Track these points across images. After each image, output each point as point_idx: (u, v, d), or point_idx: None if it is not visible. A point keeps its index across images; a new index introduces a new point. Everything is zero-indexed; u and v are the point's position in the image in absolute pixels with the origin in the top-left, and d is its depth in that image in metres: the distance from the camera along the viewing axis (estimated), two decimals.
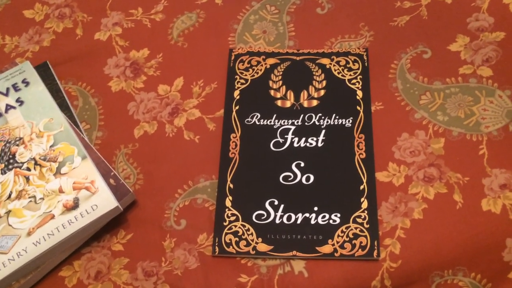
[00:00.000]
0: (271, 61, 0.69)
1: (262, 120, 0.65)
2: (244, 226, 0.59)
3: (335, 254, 0.56)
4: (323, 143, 0.63)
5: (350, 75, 0.67)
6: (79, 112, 0.69)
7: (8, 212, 0.58)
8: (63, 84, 0.71)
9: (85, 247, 0.59)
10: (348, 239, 0.57)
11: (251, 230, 0.59)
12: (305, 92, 0.66)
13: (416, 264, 0.56)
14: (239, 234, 0.58)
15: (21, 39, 0.76)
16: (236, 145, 0.64)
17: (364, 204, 0.59)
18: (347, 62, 0.68)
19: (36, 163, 0.61)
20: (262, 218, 0.59)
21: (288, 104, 0.66)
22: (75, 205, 0.57)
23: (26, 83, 0.67)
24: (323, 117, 0.64)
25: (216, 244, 0.58)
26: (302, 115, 0.65)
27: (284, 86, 0.67)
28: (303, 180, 0.61)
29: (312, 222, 0.58)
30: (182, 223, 0.60)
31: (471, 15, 0.70)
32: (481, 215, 0.57)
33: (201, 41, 0.73)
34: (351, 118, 0.64)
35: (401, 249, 0.56)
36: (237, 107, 0.66)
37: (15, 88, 0.67)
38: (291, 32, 0.72)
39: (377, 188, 0.60)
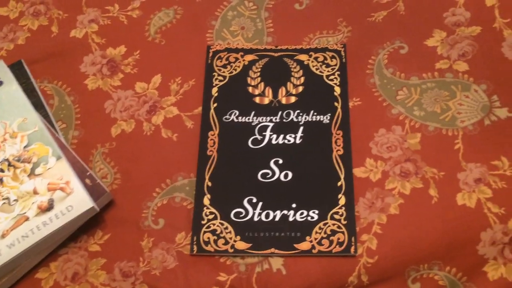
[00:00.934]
0: (249, 57, 0.69)
1: (240, 117, 0.65)
2: (222, 224, 0.59)
3: (313, 251, 0.57)
4: (301, 140, 0.63)
5: (328, 71, 0.67)
6: (54, 111, 0.68)
7: None
8: (38, 82, 0.70)
9: (61, 248, 0.59)
10: (326, 235, 0.57)
11: (230, 228, 0.59)
12: (283, 88, 0.66)
13: (393, 259, 0.56)
14: (217, 233, 0.58)
15: None
16: (214, 143, 0.63)
17: (342, 201, 0.59)
18: (325, 58, 0.68)
19: (9, 164, 0.60)
20: (241, 216, 0.59)
21: (266, 101, 0.66)
22: (50, 206, 0.57)
23: None
24: (301, 114, 0.64)
25: (195, 243, 0.58)
26: (280, 112, 0.65)
27: (262, 83, 0.67)
28: (282, 177, 0.61)
29: (290, 219, 0.58)
30: (160, 222, 0.60)
31: (448, 10, 0.70)
32: (456, 209, 0.58)
33: (179, 37, 0.72)
34: (329, 114, 0.64)
35: (378, 245, 0.57)
36: (215, 105, 0.66)
37: None
38: (270, 28, 0.72)
39: (354, 184, 0.60)
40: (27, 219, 0.56)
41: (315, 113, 0.64)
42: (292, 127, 0.63)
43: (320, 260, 0.57)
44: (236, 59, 0.69)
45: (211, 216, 0.59)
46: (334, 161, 0.61)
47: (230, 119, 0.65)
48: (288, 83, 0.66)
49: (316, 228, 0.58)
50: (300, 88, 0.66)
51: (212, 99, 0.66)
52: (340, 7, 0.72)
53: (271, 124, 0.64)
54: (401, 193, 0.59)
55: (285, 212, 0.59)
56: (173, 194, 0.61)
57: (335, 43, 0.69)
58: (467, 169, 0.59)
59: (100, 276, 0.57)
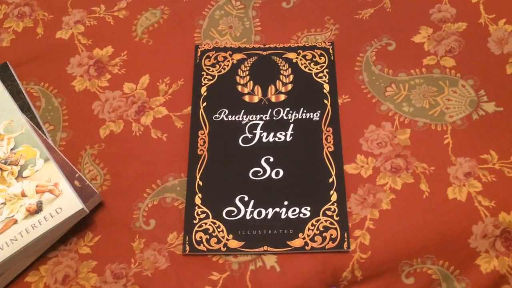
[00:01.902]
0: (237, 56, 0.69)
1: (230, 116, 0.64)
2: (214, 223, 0.58)
3: (306, 248, 0.57)
4: (291, 137, 0.63)
5: (317, 69, 0.67)
6: (42, 113, 0.67)
7: None
8: (25, 84, 0.69)
9: (51, 251, 0.58)
10: (318, 232, 0.57)
11: (222, 227, 0.58)
12: (273, 87, 0.66)
13: (386, 254, 0.56)
14: (209, 232, 0.58)
15: None
16: (204, 142, 0.63)
17: (334, 197, 0.59)
18: (314, 56, 0.68)
19: None
20: (233, 214, 0.59)
21: (255, 99, 0.65)
22: (38, 209, 0.56)
23: None
24: (291, 112, 0.64)
25: (187, 242, 0.57)
26: (270, 110, 0.64)
27: (251, 81, 0.67)
28: (273, 175, 0.61)
29: (283, 216, 0.58)
30: (151, 223, 0.59)
31: (434, 6, 0.71)
32: (448, 203, 0.58)
33: (166, 37, 0.71)
34: (319, 111, 0.64)
35: (371, 240, 0.57)
36: (204, 104, 0.65)
37: None
38: (257, 27, 0.72)
39: (345, 180, 0.60)
40: (15, 222, 0.55)
41: (305, 111, 0.64)
42: (282, 125, 0.63)
43: (313, 257, 0.57)
44: (225, 58, 0.69)
45: (203, 216, 0.59)
46: (325, 158, 0.61)
47: (220, 118, 0.64)
48: (277, 81, 0.66)
49: (309, 225, 0.58)
50: (289, 86, 0.66)
51: (201, 98, 0.66)
52: (328, 5, 0.72)
53: (261, 122, 0.64)
54: (393, 188, 0.59)
55: (277, 209, 0.59)
56: (164, 194, 0.61)
57: (323, 41, 0.70)
58: (457, 164, 0.60)
59: (91, 278, 0.56)
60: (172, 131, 0.65)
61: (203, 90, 0.66)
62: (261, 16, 0.72)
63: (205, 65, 0.68)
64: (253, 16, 0.72)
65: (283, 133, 0.63)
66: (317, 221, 0.58)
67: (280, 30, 0.71)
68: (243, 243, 0.57)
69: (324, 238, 0.57)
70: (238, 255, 0.57)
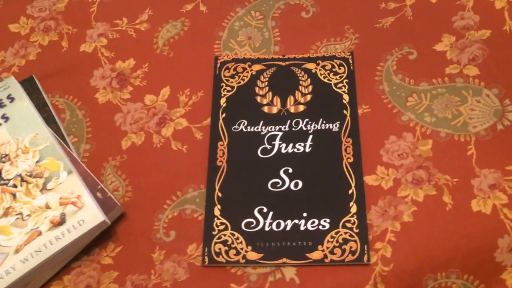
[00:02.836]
0: (256, 67, 0.69)
1: (249, 127, 0.65)
2: (233, 234, 0.59)
3: (325, 260, 0.56)
4: (310, 148, 0.62)
5: (336, 79, 0.67)
6: (66, 125, 0.68)
7: None
8: (50, 97, 0.71)
9: (74, 261, 0.59)
10: (338, 244, 0.57)
11: (241, 238, 0.58)
12: (292, 97, 0.66)
13: (409, 267, 0.55)
14: (228, 243, 0.58)
15: (7, 53, 0.75)
16: (223, 153, 0.63)
17: (353, 209, 0.58)
18: (333, 66, 0.67)
19: (22, 180, 0.60)
20: (251, 226, 0.59)
21: (274, 110, 0.65)
22: (62, 221, 0.57)
23: (11, 98, 0.67)
24: (310, 122, 0.64)
25: (206, 254, 0.58)
26: (289, 121, 0.64)
27: (270, 92, 0.67)
28: (292, 186, 0.60)
29: (302, 228, 0.58)
30: (171, 234, 0.60)
31: (456, 13, 0.69)
32: (472, 216, 0.57)
33: (187, 49, 0.72)
34: (338, 122, 0.64)
35: (393, 253, 0.56)
36: (223, 115, 0.66)
37: (0, 104, 0.67)
38: (277, 37, 0.72)
39: (366, 192, 0.59)
40: (40, 233, 0.57)
41: (324, 122, 0.64)
42: (301, 136, 0.63)
43: (333, 269, 0.56)
44: (244, 69, 0.69)
45: (222, 227, 0.59)
46: (345, 169, 0.61)
47: (239, 129, 0.65)
48: (296, 91, 0.66)
49: (328, 237, 0.57)
50: (309, 97, 0.66)
51: (221, 109, 0.66)
52: (347, 14, 0.72)
53: (280, 133, 0.64)
54: (414, 200, 0.58)
55: (296, 221, 0.58)
56: (184, 206, 0.61)
57: (343, 50, 0.69)
58: (481, 175, 0.58)
59: None
60: (192, 143, 0.65)
61: (223, 101, 0.67)
62: (280, 26, 0.72)
63: (224, 76, 0.69)
64: (272, 26, 0.73)
65: (302, 144, 0.63)
66: (336, 233, 0.57)
67: (299, 40, 0.71)
68: (261, 255, 0.57)
69: (343, 251, 0.56)
70: (257, 267, 0.57)
